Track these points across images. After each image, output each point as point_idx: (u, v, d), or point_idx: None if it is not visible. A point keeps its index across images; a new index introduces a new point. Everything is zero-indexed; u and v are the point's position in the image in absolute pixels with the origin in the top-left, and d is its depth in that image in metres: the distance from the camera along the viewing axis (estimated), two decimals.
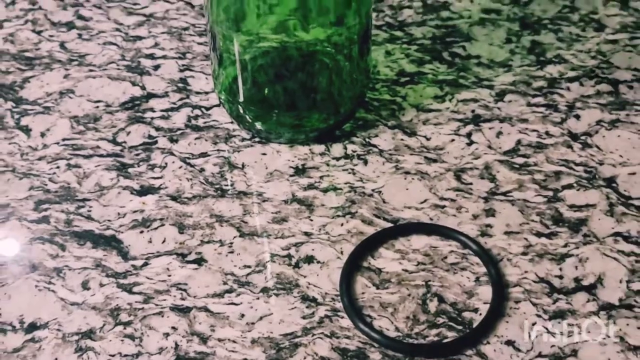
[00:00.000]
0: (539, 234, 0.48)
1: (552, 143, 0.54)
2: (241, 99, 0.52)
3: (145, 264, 0.48)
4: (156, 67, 0.59)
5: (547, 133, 0.54)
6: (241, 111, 0.53)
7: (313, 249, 0.48)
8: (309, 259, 0.48)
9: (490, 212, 0.50)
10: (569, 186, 0.51)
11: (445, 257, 0.48)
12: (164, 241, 0.49)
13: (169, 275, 0.47)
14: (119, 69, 0.59)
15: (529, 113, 0.55)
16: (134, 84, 0.58)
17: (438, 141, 0.54)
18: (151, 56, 0.60)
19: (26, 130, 0.55)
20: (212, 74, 0.54)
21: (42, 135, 0.55)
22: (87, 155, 0.54)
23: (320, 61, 0.53)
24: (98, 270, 0.47)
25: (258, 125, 0.53)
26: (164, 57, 0.60)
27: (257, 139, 0.54)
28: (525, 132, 0.54)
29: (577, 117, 0.55)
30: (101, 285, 0.47)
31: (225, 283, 0.47)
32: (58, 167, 0.53)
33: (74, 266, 0.48)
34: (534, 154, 0.53)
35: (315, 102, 0.53)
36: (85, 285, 0.47)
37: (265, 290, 0.46)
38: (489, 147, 0.53)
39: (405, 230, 0.49)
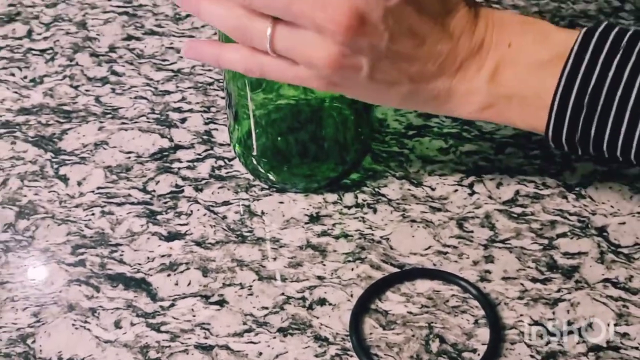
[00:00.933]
0: (534, 280, 0.52)
1: (548, 194, 0.57)
2: (255, 152, 0.56)
3: (172, 305, 0.51)
4: (183, 120, 0.63)
5: (543, 184, 0.57)
6: (255, 163, 0.56)
7: (325, 292, 0.52)
8: (322, 301, 0.51)
9: (490, 259, 0.53)
10: (563, 235, 0.54)
11: (447, 301, 0.51)
12: (189, 284, 0.52)
13: (194, 316, 0.51)
14: (149, 121, 0.63)
15: (527, 165, 0.59)
16: (162, 136, 0.62)
17: (442, 191, 0.57)
18: (178, 110, 0.64)
19: (64, 179, 0.59)
20: (227, 128, 0.58)
21: (79, 184, 0.59)
22: (119, 203, 0.58)
23: (329, 114, 0.56)
24: (129, 310, 0.51)
25: (271, 177, 0.56)
26: (191, 110, 0.64)
27: (274, 189, 0.58)
28: (524, 183, 0.58)
29: (572, 169, 0.58)
30: (132, 324, 0.50)
31: (245, 323, 0.50)
32: (93, 214, 0.57)
33: (108, 306, 0.51)
34: (531, 204, 0.56)
35: (324, 151, 0.57)
36: (117, 324, 0.50)
37: (281, 330, 0.49)
38: (490, 197, 0.57)
39: (410, 275, 0.52)
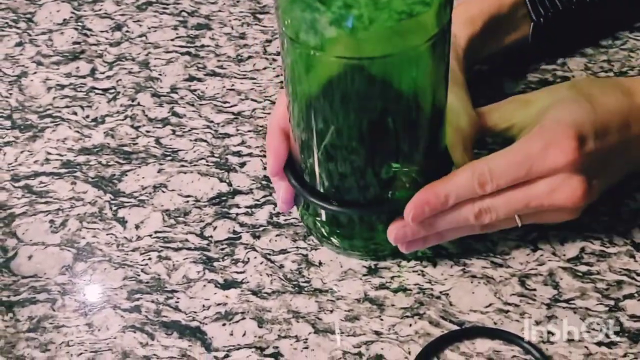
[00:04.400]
0: (599, 343, 0.50)
1: (615, 252, 0.55)
2: (323, 217, 0.54)
3: (227, 356, 0.51)
4: (242, 164, 0.63)
5: (610, 242, 0.56)
6: (319, 225, 0.55)
7: (382, 348, 0.51)
8: (379, 358, 0.50)
9: (553, 319, 0.52)
10: (631, 296, 0.53)
11: None
12: (244, 334, 0.52)
13: None
14: (208, 165, 0.63)
15: (593, 221, 0.57)
16: (221, 180, 0.62)
17: (504, 246, 0.56)
18: (238, 153, 0.64)
19: (122, 222, 0.59)
20: None
21: (137, 227, 0.59)
22: (176, 248, 0.57)
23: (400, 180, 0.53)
24: None
25: (334, 240, 0.55)
26: (250, 154, 0.64)
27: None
28: (589, 240, 0.56)
29: None
30: None
31: None
32: (150, 259, 0.57)
33: (162, 355, 0.51)
34: (597, 262, 0.55)
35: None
36: None
37: None
38: (554, 253, 0.55)
39: (470, 333, 0.51)
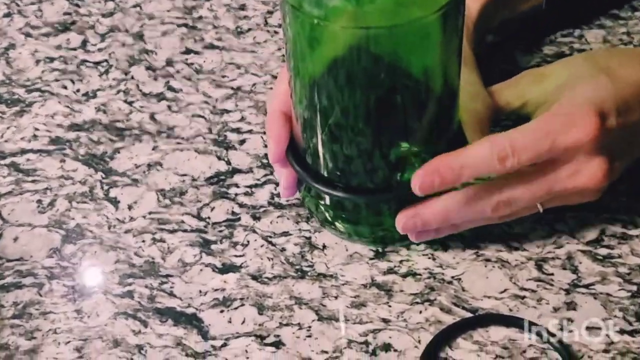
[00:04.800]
0: (621, 331, 0.48)
1: (637, 234, 0.53)
2: (327, 201, 0.52)
3: (224, 345, 0.49)
4: (242, 142, 0.60)
5: (632, 223, 0.53)
6: (322, 209, 0.53)
7: (390, 337, 0.49)
8: (387, 347, 0.48)
9: (572, 306, 0.50)
10: None
11: (525, 351, 0.47)
12: (243, 322, 0.50)
13: (247, 358, 0.48)
14: (205, 142, 0.60)
15: (613, 201, 0.54)
16: (219, 158, 0.59)
17: (520, 229, 0.53)
18: (237, 130, 0.61)
19: (114, 202, 0.57)
20: None
21: (130, 207, 0.57)
22: (172, 230, 0.55)
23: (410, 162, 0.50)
24: (178, 349, 0.48)
25: (338, 225, 0.53)
26: (250, 131, 0.61)
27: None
28: (610, 222, 0.54)
29: None
30: None
31: None
32: (143, 241, 0.55)
33: (156, 344, 0.49)
34: (618, 245, 0.52)
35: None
36: None
37: None
38: (572, 236, 0.53)
39: (484, 321, 0.49)
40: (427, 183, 0.47)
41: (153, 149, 0.60)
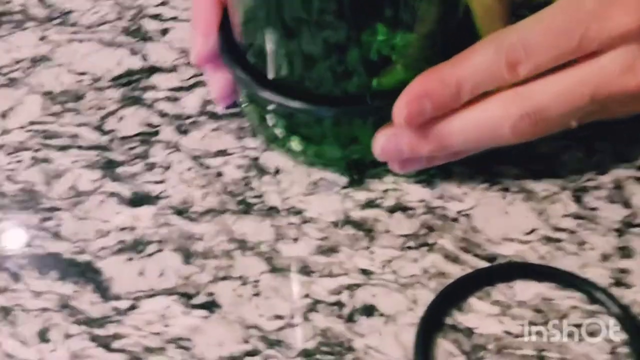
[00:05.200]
0: None
1: None
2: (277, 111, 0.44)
3: (133, 307, 0.41)
4: (163, 32, 0.54)
5: None
6: (270, 123, 0.45)
7: (374, 295, 0.41)
8: (368, 310, 0.40)
9: (626, 252, 0.41)
10: None
11: (565, 316, 0.39)
12: (161, 274, 0.42)
13: (166, 326, 0.40)
14: (113, 31, 0.54)
15: None
16: (133, 52, 0.53)
17: (548, 147, 0.45)
18: (157, 17, 0.55)
19: None
20: None
21: (3, 116, 0.50)
22: (61, 146, 0.48)
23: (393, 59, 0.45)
24: (63, 313, 0.40)
25: (293, 145, 0.45)
26: (174, 18, 0.55)
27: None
28: None
29: None
30: (67, 336, 0.40)
31: (246, 341, 0.39)
32: (20, 161, 0.47)
33: (30, 306, 0.41)
34: None
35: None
36: (43, 336, 0.40)
37: (305, 353, 0.38)
38: (619, 159, 0.45)
39: (506, 273, 0.41)
40: (415, 111, 0.40)
41: (41, 39, 0.54)
